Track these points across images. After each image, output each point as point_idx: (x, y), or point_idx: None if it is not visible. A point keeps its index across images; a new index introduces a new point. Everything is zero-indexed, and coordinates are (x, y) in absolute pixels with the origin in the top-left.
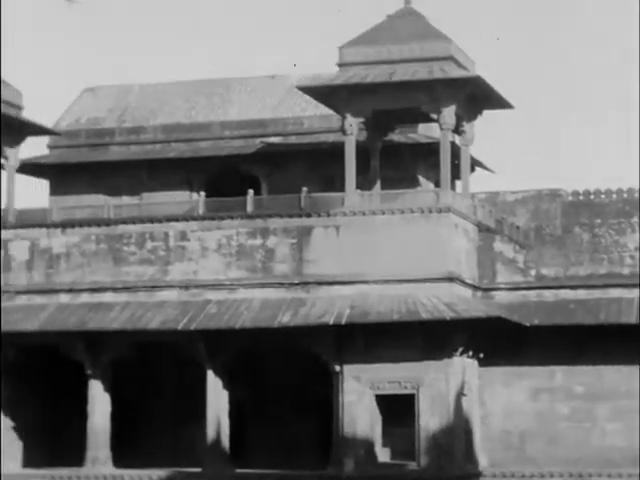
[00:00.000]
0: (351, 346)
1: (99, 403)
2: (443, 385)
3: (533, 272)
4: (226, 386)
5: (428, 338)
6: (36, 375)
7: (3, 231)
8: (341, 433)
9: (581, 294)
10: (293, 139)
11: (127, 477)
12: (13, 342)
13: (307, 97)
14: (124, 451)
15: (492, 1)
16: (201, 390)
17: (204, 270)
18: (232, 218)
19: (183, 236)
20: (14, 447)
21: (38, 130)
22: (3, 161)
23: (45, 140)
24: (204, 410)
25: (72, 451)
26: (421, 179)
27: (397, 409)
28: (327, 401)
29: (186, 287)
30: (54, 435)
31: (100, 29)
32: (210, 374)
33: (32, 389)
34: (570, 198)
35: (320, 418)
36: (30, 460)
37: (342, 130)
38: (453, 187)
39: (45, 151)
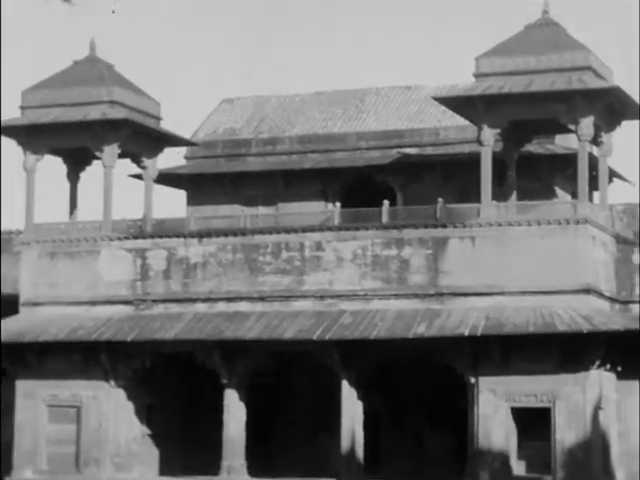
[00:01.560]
0: (487, 358)
1: (234, 412)
2: (580, 399)
3: None
4: (361, 396)
5: (565, 350)
6: (172, 383)
7: (141, 240)
8: (476, 445)
9: None
10: (429, 150)
11: None
12: (150, 350)
13: (443, 108)
14: (259, 460)
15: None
16: (335, 400)
17: (339, 280)
18: (367, 229)
19: (318, 246)
20: (151, 455)
21: (176, 141)
22: (142, 171)
23: (183, 151)
24: (338, 420)
25: (207, 459)
26: (558, 190)
27: (532, 422)
28: (462, 413)
29: (321, 297)
30: (190, 443)
31: (238, 43)
32: (345, 384)
33: (168, 397)
34: None
35: (454, 430)
36: (166, 468)
37: (478, 141)
38: (591, 198)
39: (183, 162)
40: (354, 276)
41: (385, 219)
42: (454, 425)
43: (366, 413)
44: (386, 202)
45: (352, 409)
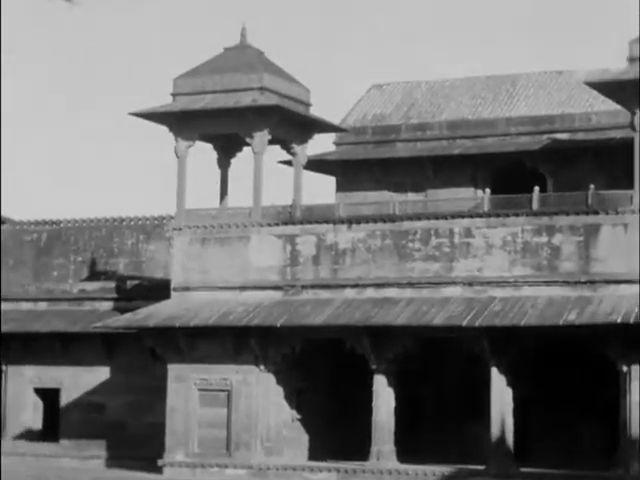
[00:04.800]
0: (639, 346)
1: (383, 397)
2: None
3: None
4: (510, 383)
5: None
6: (321, 368)
7: (291, 226)
8: (628, 434)
9: None
10: (580, 135)
11: (411, 472)
12: (300, 335)
13: (595, 92)
14: (408, 446)
15: None
16: (484, 387)
17: (489, 267)
18: (517, 215)
19: (468, 233)
20: (300, 439)
21: (326, 127)
22: (291, 158)
23: (332, 137)
24: (487, 407)
25: (356, 445)
26: None
27: None
28: (613, 402)
29: (470, 284)
30: (338, 428)
31: (389, 28)
32: (494, 371)
33: (317, 382)
34: None
35: (606, 418)
36: (316, 452)
37: (631, 126)
38: None
39: (332, 148)
40: (504, 263)
41: (535, 206)
42: (606, 413)
43: (515, 400)
44: (536, 188)
45: (501, 396)
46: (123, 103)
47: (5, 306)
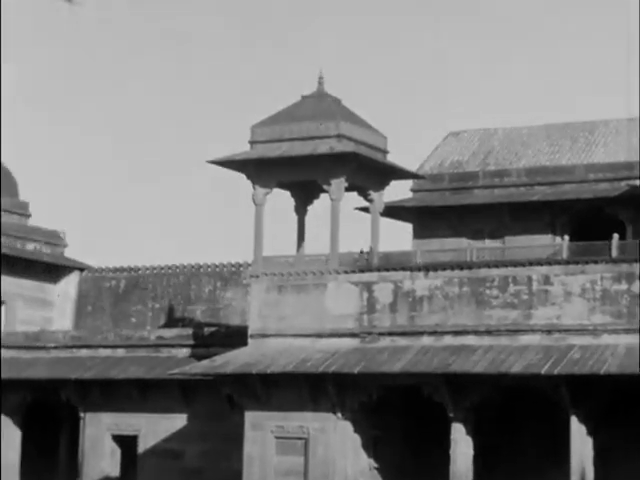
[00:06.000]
0: None
1: (461, 446)
2: None
3: None
4: (590, 432)
5: None
6: (398, 416)
7: (368, 274)
8: None
9: None
10: None
11: None
12: (377, 383)
13: None
14: None
15: None
16: (563, 434)
17: (567, 315)
18: (596, 262)
19: (546, 280)
20: None
21: (403, 174)
22: (368, 204)
23: (409, 184)
24: (567, 455)
25: None
26: None
27: None
28: None
29: (549, 331)
30: (416, 477)
31: (461, 76)
32: (574, 420)
33: (394, 430)
34: None
35: None
36: None
37: None
38: None
39: (408, 195)
40: (583, 310)
41: (615, 253)
42: None
43: (596, 448)
44: (616, 235)
45: (582, 445)
46: (201, 151)
47: (84, 353)
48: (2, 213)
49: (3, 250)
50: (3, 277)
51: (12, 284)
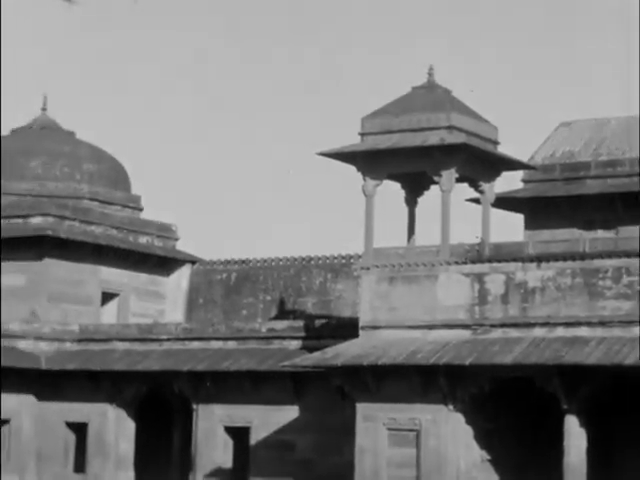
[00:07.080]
0: None
1: (575, 438)
2: None
3: None
4: None
5: None
6: (510, 408)
7: (479, 265)
8: None
9: None
10: None
11: None
12: (488, 374)
13: None
14: None
15: None
16: None
17: None
18: None
19: None
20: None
21: (514, 165)
22: (479, 195)
23: (520, 175)
24: None
25: None
26: None
27: None
28: None
29: None
30: (528, 470)
31: (568, 65)
32: None
33: (506, 422)
34: None
35: None
36: None
37: None
38: None
39: (519, 185)
40: None
41: None
42: None
43: None
44: None
45: None
46: (311, 143)
47: (196, 345)
48: (110, 207)
49: (117, 244)
50: (117, 270)
51: (125, 277)
